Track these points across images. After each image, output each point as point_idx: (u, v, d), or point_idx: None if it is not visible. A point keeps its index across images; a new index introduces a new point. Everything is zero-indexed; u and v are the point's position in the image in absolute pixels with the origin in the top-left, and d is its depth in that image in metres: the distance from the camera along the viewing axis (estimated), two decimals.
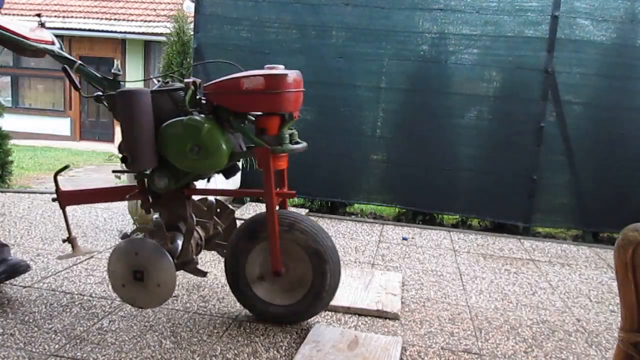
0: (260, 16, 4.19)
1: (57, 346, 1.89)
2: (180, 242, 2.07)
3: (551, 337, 2.25)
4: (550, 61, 3.86)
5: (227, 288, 2.48)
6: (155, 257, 1.95)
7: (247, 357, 1.90)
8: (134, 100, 1.91)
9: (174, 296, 2.38)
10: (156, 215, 2.10)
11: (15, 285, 2.37)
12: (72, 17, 12.74)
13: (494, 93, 4.02)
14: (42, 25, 2.23)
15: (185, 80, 1.98)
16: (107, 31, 12.61)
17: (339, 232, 3.68)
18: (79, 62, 2.12)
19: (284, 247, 2.03)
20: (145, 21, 13.02)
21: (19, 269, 2.24)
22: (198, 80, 1.99)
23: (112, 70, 2.11)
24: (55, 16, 12.43)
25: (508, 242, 3.72)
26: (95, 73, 2.13)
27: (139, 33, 12.66)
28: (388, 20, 4.03)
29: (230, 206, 2.39)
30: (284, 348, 1.98)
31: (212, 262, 2.85)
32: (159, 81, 2.12)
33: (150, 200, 2.14)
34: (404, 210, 4.29)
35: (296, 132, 2.09)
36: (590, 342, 2.23)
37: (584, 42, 3.85)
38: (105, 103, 2.09)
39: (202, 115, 1.99)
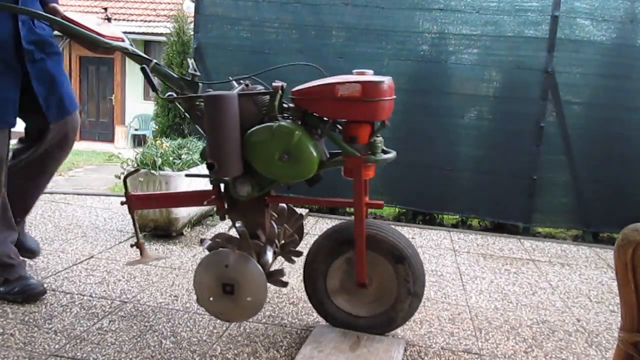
0: (260, 16, 4.19)
1: (57, 346, 1.89)
2: (270, 254, 1.97)
3: (551, 337, 2.25)
4: (550, 61, 3.86)
5: None
6: (247, 271, 1.85)
7: (247, 357, 1.90)
8: (224, 105, 1.80)
9: (174, 296, 2.38)
10: (239, 224, 2.00)
11: None
12: None
13: (494, 93, 4.02)
14: (108, 20, 2.15)
15: (274, 84, 1.88)
16: None
17: None
18: (155, 61, 2.00)
19: (387, 275, 1.99)
20: (145, 21, 13.04)
21: (33, 293, 2.20)
22: (284, 84, 1.90)
23: (189, 71, 2.01)
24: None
25: (508, 242, 3.72)
26: (172, 73, 2.02)
27: (139, 33, 12.67)
28: (388, 20, 4.03)
29: (298, 211, 2.31)
30: (284, 348, 1.98)
31: None
32: (239, 84, 2.02)
33: (227, 207, 2.05)
34: (404, 210, 4.29)
35: (382, 140, 2.00)
36: (590, 342, 2.23)
37: (584, 42, 3.85)
38: (180, 105, 2.01)
39: (290, 121, 1.88)
